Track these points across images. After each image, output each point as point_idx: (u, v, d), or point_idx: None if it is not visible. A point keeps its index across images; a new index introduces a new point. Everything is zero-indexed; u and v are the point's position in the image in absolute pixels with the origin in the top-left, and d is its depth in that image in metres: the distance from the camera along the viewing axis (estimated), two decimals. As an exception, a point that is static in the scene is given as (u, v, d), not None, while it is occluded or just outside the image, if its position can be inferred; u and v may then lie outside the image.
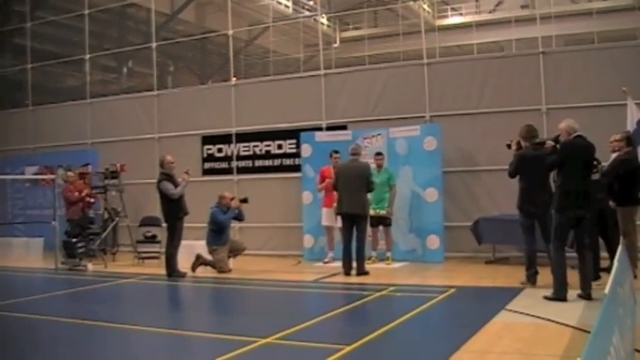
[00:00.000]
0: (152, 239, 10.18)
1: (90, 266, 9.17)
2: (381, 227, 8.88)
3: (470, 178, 9.36)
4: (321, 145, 9.55)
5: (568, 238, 5.81)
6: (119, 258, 10.36)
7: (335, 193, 8.17)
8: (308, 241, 9.65)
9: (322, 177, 9.04)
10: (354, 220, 7.83)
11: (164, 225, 8.61)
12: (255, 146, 10.81)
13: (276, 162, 10.66)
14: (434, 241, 8.87)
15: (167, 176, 8.17)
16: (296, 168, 10.22)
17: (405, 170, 9.25)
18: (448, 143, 9.12)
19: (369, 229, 8.30)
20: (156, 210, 9.60)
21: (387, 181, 8.84)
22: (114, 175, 10.43)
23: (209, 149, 11.10)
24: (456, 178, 9.33)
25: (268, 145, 10.74)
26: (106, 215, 10.41)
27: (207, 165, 11.10)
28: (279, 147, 10.65)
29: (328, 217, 8.94)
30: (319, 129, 10.16)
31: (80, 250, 9.27)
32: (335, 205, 8.19)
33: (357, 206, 7.77)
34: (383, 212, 8.74)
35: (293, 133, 10.27)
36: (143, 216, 10.63)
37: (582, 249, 5.69)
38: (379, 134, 9.54)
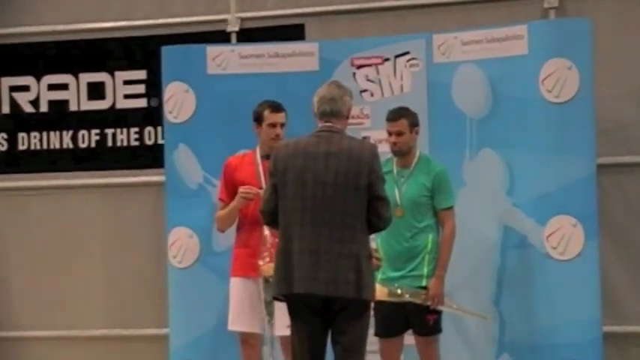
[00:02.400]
0: None
1: None
2: (408, 337, 7.86)
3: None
4: (226, 87, 8.74)
5: None
6: None
7: (269, 232, 7.38)
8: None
9: (227, 183, 7.92)
10: (326, 314, 6.72)
11: None
12: (16, 89, 9.80)
13: (85, 139, 9.69)
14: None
15: None
16: (147, 157, 9.49)
17: (484, 163, 8.35)
18: (614, 80, 8.21)
19: (370, 346, 7.26)
20: None
21: (429, 196, 7.89)
22: None
23: None
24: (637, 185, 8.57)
25: (59, 88, 9.63)
26: None
27: None
28: (95, 93, 9.58)
29: (244, 310, 7.89)
30: (220, 36, 9.36)
31: None
32: (266, 269, 7.40)
33: (335, 277, 6.67)
34: (418, 294, 7.70)
35: (137, 50, 9.52)
36: None
37: None
38: (405, 55, 8.59)
